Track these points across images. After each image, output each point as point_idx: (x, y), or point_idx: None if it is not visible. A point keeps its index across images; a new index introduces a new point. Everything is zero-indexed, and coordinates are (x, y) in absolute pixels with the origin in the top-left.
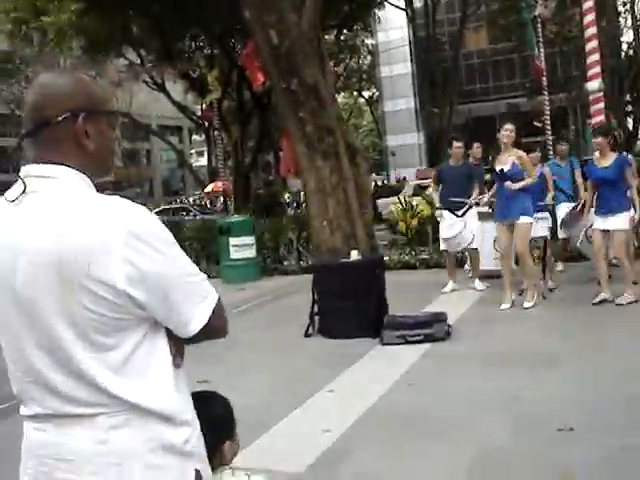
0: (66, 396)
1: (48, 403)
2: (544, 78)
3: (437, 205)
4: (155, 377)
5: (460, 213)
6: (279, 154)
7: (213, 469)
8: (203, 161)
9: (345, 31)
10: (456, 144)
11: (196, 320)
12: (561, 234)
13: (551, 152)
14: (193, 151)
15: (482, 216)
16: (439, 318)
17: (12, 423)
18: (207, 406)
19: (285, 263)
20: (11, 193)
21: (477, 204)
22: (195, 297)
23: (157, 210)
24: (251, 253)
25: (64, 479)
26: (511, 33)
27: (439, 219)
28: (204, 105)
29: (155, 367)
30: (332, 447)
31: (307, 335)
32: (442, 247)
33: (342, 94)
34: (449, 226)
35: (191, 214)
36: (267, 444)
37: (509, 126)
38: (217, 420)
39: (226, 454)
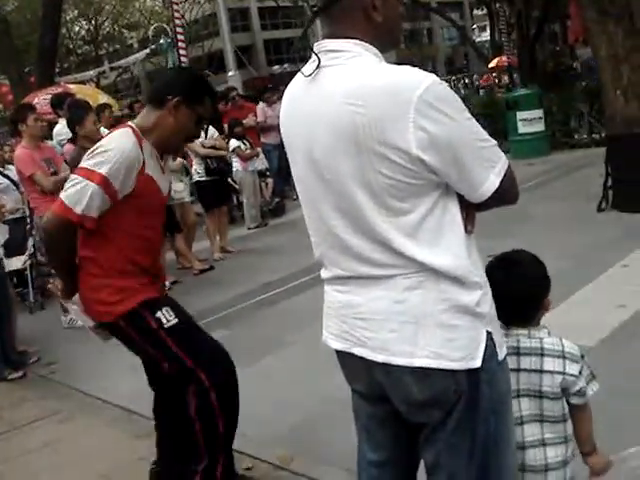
0: (363, 258)
1: (347, 265)
2: None
3: None
4: (447, 240)
5: None
6: (566, 22)
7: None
8: (486, 36)
9: None
10: None
11: (488, 184)
12: None
13: None
14: (475, 26)
15: None
16: None
17: (312, 294)
18: (522, 264)
19: (576, 136)
20: (307, 68)
21: None
22: (486, 162)
23: None
24: (540, 127)
25: (363, 336)
26: None
27: None
28: None
29: (447, 231)
30: (626, 322)
31: (600, 209)
32: None
33: None
34: None
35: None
36: (557, 317)
37: None
38: (534, 278)
39: (546, 308)
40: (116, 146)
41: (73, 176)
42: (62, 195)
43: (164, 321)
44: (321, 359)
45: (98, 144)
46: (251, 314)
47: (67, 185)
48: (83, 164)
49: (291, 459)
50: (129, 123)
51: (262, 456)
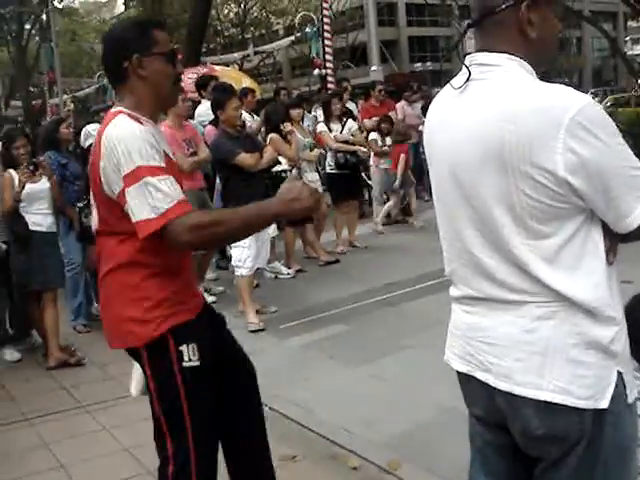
0: (497, 280)
1: (478, 285)
2: None
3: None
4: (587, 270)
5: None
6: None
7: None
8: (639, 49)
9: None
10: None
11: (635, 215)
12: None
13: None
14: (628, 38)
15: None
16: None
17: (435, 299)
18: None
19: None
20: (457, 80)
21: None
22: (636, 191)
23: None
24: None
25: (487, 361)
26: None
27: None
28: None
29: (588, 260)
30: None
31: None
32: None
33: None
34: None
35: None
36: None
37: None
38: None
39: None
40: (122, 136)
41: (131, 191)
42: (143, 216)
43: (185, 358)
44: (438, 367)
45: (112, 148)
46: (371, 312)
47: (136, 206)
48: (122, 175)
49: (399, 465)
50: (118, 108)
51: (370, 457)
